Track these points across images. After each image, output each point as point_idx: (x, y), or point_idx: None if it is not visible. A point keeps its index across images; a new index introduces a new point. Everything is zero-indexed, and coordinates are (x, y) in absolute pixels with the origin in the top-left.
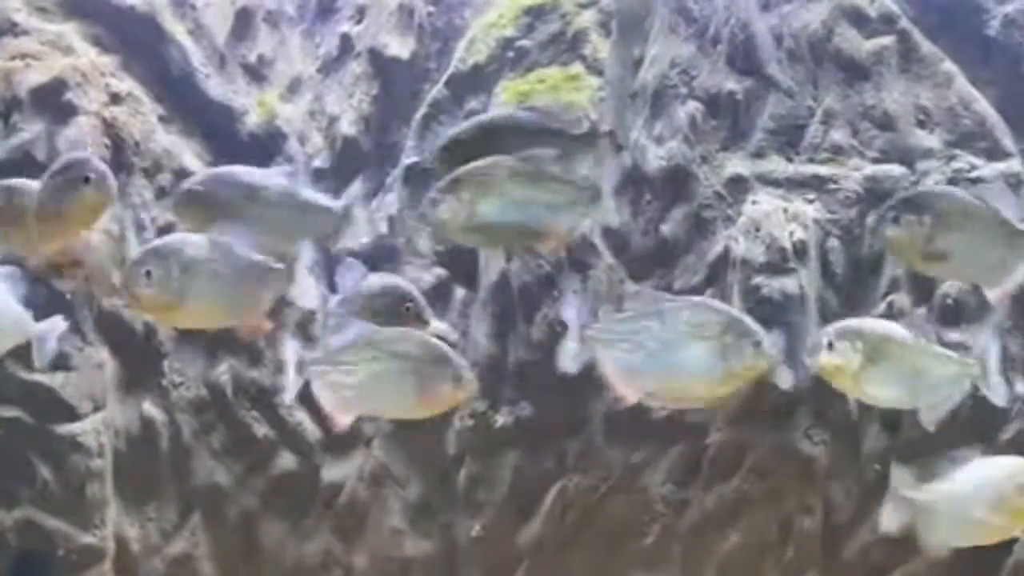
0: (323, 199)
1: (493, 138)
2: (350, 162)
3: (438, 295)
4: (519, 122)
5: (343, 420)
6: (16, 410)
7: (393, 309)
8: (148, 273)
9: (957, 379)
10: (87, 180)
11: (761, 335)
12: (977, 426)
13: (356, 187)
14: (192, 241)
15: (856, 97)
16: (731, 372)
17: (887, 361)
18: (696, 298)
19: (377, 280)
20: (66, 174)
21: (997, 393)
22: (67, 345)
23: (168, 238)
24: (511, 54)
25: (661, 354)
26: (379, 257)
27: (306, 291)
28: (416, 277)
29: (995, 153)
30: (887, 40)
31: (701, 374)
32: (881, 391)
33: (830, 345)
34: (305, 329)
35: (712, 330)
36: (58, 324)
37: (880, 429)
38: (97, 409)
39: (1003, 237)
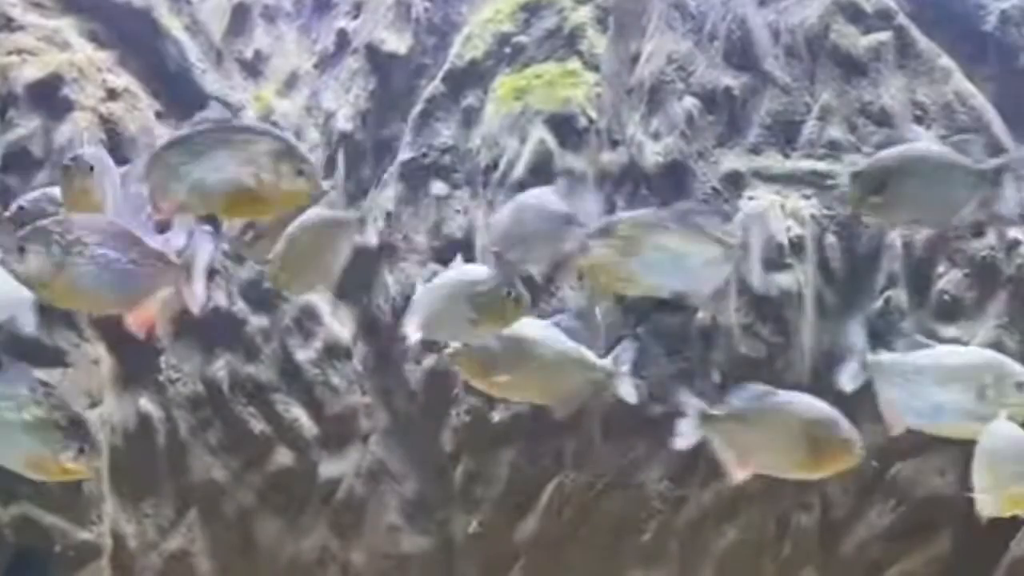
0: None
1: None
2: (346, 158)
3: None
4: None
5: (741, 475)
6: None
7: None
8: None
9: (718, 260)
10: (300, 173)
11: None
12: None
13: (352, 183)
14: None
15: (853, 93)
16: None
17: (645, 250)
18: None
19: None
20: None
21: (755, 276)
22: (64, 341)
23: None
24: (508, 50)
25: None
26: (376, 252)
27: None
28: (413, 273)
29: (992, 149)
30: (884, 36)
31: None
32: (644, 281)
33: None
34: None
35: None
36: None
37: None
38: (94, 405)
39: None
